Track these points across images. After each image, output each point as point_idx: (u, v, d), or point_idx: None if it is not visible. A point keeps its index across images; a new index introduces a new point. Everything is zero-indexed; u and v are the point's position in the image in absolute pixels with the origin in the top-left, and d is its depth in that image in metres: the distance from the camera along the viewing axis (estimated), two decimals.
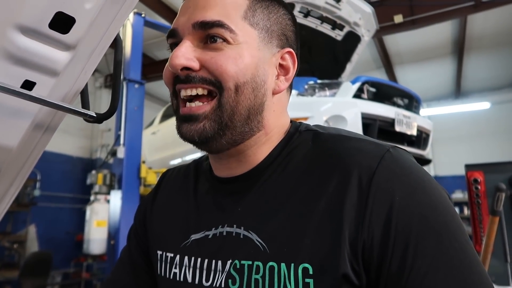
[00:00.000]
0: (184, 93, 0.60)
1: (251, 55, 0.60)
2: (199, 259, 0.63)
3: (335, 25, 3.91)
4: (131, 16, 4.05)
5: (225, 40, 0.58)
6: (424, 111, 6.94)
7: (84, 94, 0.66)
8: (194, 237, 0.66)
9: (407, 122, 3.42)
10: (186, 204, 0.72)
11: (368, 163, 0.54)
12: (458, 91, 9.25)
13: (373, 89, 3.52)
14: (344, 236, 0.51)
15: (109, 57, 0.67)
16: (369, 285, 0.52)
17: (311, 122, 0.70)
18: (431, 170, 8.52)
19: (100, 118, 0.64)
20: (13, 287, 5.65)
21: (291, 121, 0.69)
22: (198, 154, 4.27)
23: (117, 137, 3.87)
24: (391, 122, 3.31)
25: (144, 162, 4.81)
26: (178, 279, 0.65)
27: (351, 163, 0.55)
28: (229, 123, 0.59)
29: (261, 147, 0.64)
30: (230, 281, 0.58)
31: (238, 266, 0.58)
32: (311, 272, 0.52)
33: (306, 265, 0.52)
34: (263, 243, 0.57)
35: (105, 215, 5.11)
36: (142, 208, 0.82)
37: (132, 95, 3.93)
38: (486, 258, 1.83)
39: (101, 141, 8.39)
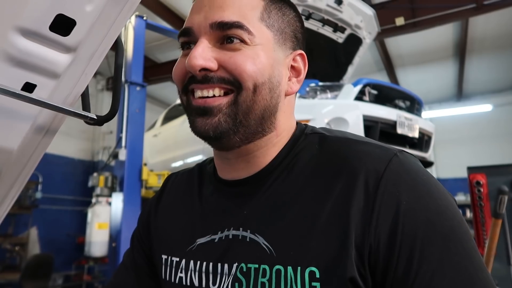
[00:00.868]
0: (201, 93, 0.59)
1: (267, 56, 0.60)
2: (204, 263, 0.63)
3: (336, 28, 3.91)
4: (133, 18, 4.06)
5: (242, 40, 0.58)
6: (426, 113, 6.93)
7: (85, 97, 0.66)
8: (200, 241, 0.65)
9: (409, 125, 3.41)
10: (191, 208, 0.71)
11: (375, 167, 0.54)
12: (460, 94, 9.24)
13: (374, 92, 3.52)
14: (351, 240, 0.51)
15: (111, 59, 0.67)
16: None
17: (312, 125, 0.70)
18: (433, 172, 8.49)
19: (101, 121, 0.64)
20: None
21: (297, 123, 0.69)
22: (199, 157, 4.27)
23: (119, 140, 3.87)
24: (392, 125, 3.31)
25: (145, 164, 4.80)
26: (184, 283, 0.65)
27: (358, 167, 0.55)
28: (244, 121, 0.59)
29: (271, 148, 0.64)
30: (236, 284, 0.57)
31: (244, 270, 0.57)
32: (317, 276, 0.52)
33: (313, 268, 0.52)
34: (269, 246, 0.56)
35: (106, 218, 5.11)
36: (145, 212, 0.82)
37: (134, 97, 3.93)
38: (488, 261, 1.82)
39: (102, 144, 8.40)
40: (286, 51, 0.64)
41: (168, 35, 5.19)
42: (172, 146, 4.90)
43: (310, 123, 0.71)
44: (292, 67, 0.66)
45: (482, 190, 2.43)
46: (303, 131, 0.67)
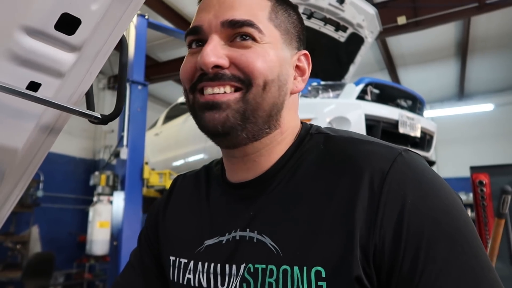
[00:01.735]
0: (211, 91, 0.59)
1: (276, 54, 0.61)
2: (212, 264, 0.63)
3: (338, 27, 3.90)
4: (134, 17, 4.05)
5: (253, 39, 0.59)
6: (428, 112, 6.92)
7: (89, 96, 0.66)
8: (207, 242, 0.66)
9: (411, 124, 3.40)
10: (199, 210, 0.72)
11: (380, 166, 0.54)
12: (461, 93, 9.22)
13: (376, 91, 3.51)
14: (356, 239, 0.51)
15: (113, 58, 0.67)
16: None
17: (314, 124, 0.71)
18: None
19: (105, 120, 0.63)
20: (16, 287, 5.66)
21: (301, 123, 0.70)
22: (201, 156, 4.27)
23: (120, 138, 3.87)
24: (394, 124, 3.30)
25: (147, 163, 4.81)
26: (192, 284, 0.65)
27: (363, 166, 0.55)
28: (252, 117, 0.59)
29: (276, 147, 0.64)
30: (244, 284, 0.58)
31: (252, 270, 0.58)
32: (324, 275, 0.52)
33: (319, 268, 0.52)
34: (276, 247, 0.57)
35: (108, 216, 5.12)
36: (153, 213, 0.82)
37: (136, 96, 3.93)
38: (491, 261, 1.81)
39: (104, 142, 8.41)
40: (292, 51, 0.66)
41: (169, 34, 5.18)
42: (173, 145, 4.90)
43: (312, 122, 0.71)
44: (297, 66, 0.67)
45: (485, 189, 2.43)
46: (308, 131, 0.67)
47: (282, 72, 0.62)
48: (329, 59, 4.36)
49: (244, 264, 0.59)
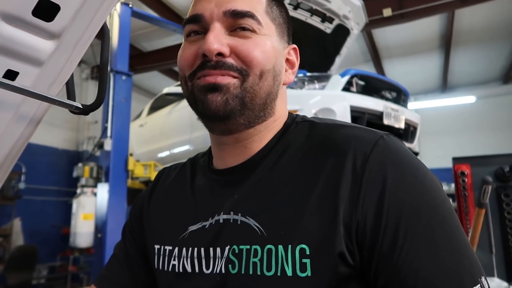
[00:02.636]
0: (212, 79, 0.60)
1: (273, 46, 0.64)
2: (196, 249, 0.64)
3: (324, 18, 3.90)
4: (118, 6, 3.98)
5: (253, 30, 0.62)
6: (412, 104, 7.00)
7: (69, 85, 0.64)
8: (191, 228, 0.67)
9: (395, 116, 3.44)
10: (183, 199, 0.72)
11: (362, 148, 0.56)
12: (444, 85, 9.37)
13: (362, 82, 3.53)
14: (340, 217, 0.53)
15: (96, 48, 0.65)
16: (362, 265, 0.53)
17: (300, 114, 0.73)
18: None
19: (86, 110, 0.62)
20: None
21: (289, 113, 0.72)
22: (186, 147, 4.24)
23: (104, 130, 3.82)
24: (379, 115, 3.33)
25: (131, 154, 4.76)
26: (177, 270, 0.66)
27: (346, 149, 0.57)
28: (249, 104, 0.62)
29: (267, 133, 0.67)
30: (230, 266, 0.59)
31: (237, 251, 0.59)
32: (308, 253, 0.53)
33: (303, 246, 0.54)
34: (260, 228, 0.58)
35: (92, 208, 5.06)
36: (138, 205, 0.82)
37: (120, 87, 3.87)
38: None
39: (87, 134, 8.28)
40: (284, 44, 0.69)
41: (154, 23, 5.11)
42: (158, 137, 4.86)
43: (298, 113, 0.73)
44: (288, 60, 0.71)
45: (466, 180, 2.48)
46: (294, 120, 0.70)
47: (277, 63, 0.65)
48: (315, 51, 4.36)
49: (228, 246, 0.60)
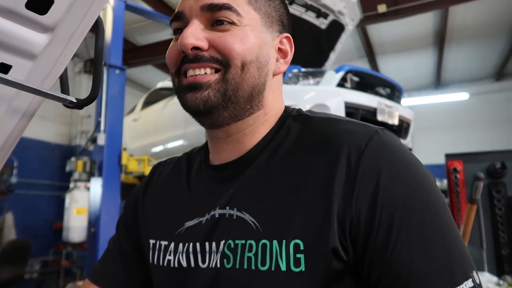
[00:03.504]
0: (193, 72, 0.62)
1: (256, 36, 0.63)
2: (191, 244, 0.64)
3: (319, 13, 3.89)
4: None
5: (232, 22, 0.62)
6: (405, 101, 7.03)
7: (63, 79, 0.64)
8: (188, 224, 0.67)
9: (389, 112, 3.45)
10: (179, 194, 0.72)
11: (357, 143, 0.56)
12: (438, 82, 9.41)
13: (356, 78, 3.54)
14: (334, 212, 0.53)
15: (89, 41, 0.65)
16: (356, 260, 0.54)
17: None
18: None
19: (80, 104, 0.61)
20: None
21: (285, 107, 0.72)
22: (180, 142, 4.23)
23: (98, 124, 3.79)
24: (373, 112, 3.34)
25: (125, 149, 4.73)
26: (172, 265, 0.66)
27: (341, 143, 0.57)
28: (233, 97, 0.62)
29: (259, 127, 0.66)
30: (225, 260, 0.59)
31: (232, 246, 0.59)
32: (302, 248, 0.53)
33: (298, 241, 0.54)
34: (255, 222, 0.58)
35: (85, 203, 5.03)
36: (132, 199, 0.82)
37: (113, 81, 3.84)
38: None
39: (80, 128, 8.23)
40: (273, 34, 0.68)
41: (148, 17, 5.06)
42: (152, 131, 4.84)
43: (293, 107, 0.73)
44: (280, 49, 0.69)
45: (458, 176, 2.50)
46: (290, 113, 0.69)
47: (262, 54, 0.64)
48: (310, 46, 4.36)
49: (223, 241, 0.60)
